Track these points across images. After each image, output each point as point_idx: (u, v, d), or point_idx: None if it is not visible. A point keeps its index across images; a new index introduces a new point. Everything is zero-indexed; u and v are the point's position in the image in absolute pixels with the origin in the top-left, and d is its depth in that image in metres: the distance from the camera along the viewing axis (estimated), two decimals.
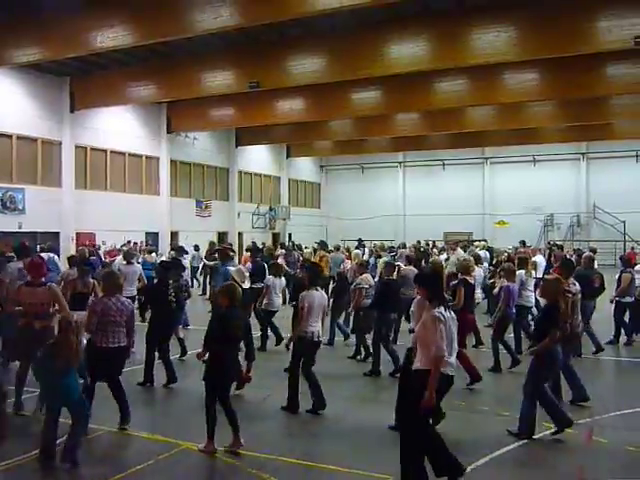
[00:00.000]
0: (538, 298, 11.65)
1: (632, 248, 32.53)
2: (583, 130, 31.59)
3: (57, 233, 25.30)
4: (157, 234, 30.11)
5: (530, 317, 11.99)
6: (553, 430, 6.92)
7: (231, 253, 15.25)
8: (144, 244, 26.01)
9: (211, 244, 21.14)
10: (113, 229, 25.99)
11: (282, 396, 7.97)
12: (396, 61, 18.99)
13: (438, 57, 18.76)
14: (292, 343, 8.14)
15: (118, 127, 28.45)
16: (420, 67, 19.29)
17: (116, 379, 7.17)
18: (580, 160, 38.87)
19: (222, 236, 33.85)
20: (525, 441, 6.76)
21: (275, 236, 39.00)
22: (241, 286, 8.05)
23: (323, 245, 20.72)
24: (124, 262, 12.70)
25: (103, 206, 26.72)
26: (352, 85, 23.99)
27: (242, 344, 6.89)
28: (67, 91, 25.50)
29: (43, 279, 7.98)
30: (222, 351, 6.47)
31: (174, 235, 30.77)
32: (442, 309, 5.65)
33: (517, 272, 11.27)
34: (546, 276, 7.75)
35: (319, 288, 8.28)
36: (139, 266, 12.87)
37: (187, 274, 14.62)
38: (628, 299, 12.44)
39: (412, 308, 7.43)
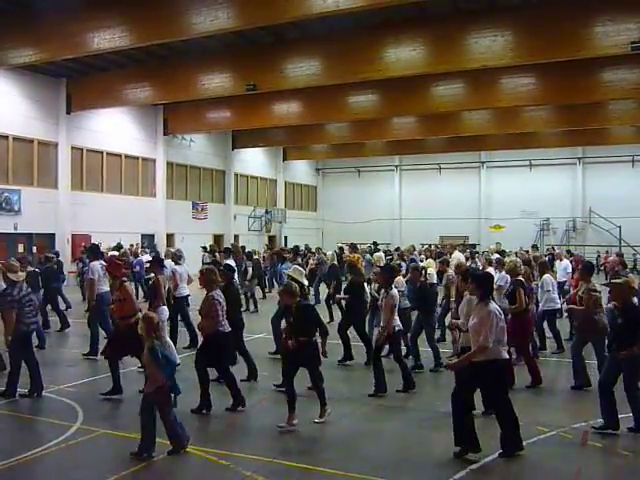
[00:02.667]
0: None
1: (607, 252, 32.55)
2: (579, 135, 31.71)
3: (53, 234, 25.28)
4: (153, 236, 30.06)
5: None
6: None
7: (286, 255, 16.86)
8: (139, 246, 25.96)
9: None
10: (109, 231, 25.93)
11: (280, 396, 7.94)
12: (393, 65, 19.02)
13: (435, 61, 18.79)
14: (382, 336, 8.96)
15: (114, 129, 28.42)
16: (417, 71, 19.32)
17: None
18: (576, 165, 38.98)
19: (218, 239, 33.82)
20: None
21: (271, 239, 38.97)
22: (302, 284, 8.33)
23: (354, 248, 21.09)
24: (173, 263, 12.87)
25: (99, 208, 26.70)
26: (349, 88, 24.02)
27: None
28: (64, 92, 25.48)
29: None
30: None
31: (170, 237, 30.75)
32: (496, 306, 6.48)
33: (545, 276, 11.95)
34: (615, 280, 8.08)
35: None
36: (186, 267, 13.05)
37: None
38: None
39: (462, 305, 7.93)
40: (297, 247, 24.25)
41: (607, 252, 32.60)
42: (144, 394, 6.54)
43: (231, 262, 13.84)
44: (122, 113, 28.61)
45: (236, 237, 35.53)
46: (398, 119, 30.02)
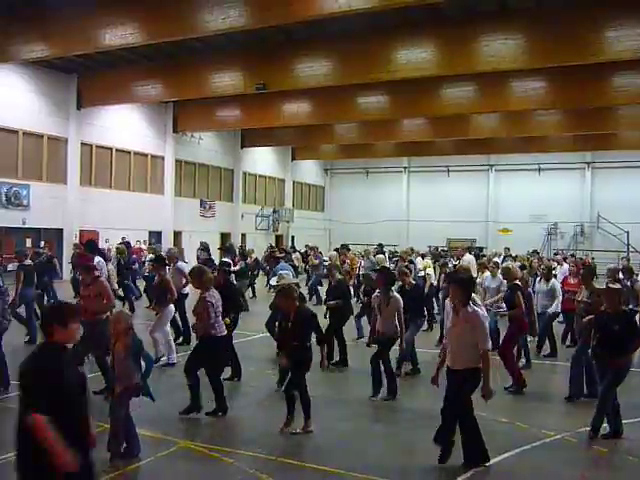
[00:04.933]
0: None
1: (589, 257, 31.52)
2: (589, 139, 31.60)
3: (61, 230, 25.36)
4: (160, 233, 30.12)
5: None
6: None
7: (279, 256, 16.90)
8: (147, 243, 26.04)
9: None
10: (116, 227, 26.02)
11: (283, 397, 7.93)
12: (404, 66, 19.00)
13: (446, 63, 18.76)
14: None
15: (124, 125, 28.50)
16: (427, 73, 19.27)
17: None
18: (585, 169, 38.83)
19: (225, 237, 33.87)
20: (524, 448, 6.74)
21: (278, 238, 39.01)
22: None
23: (346, 249, 21.14)
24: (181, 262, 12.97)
25: (107, 204, 26.77)
26: (358, 89, 24.02)
27: None
28: (74, 88, 25.56)
29: None
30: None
31: (177, 235, 30.81)
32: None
33: (552, 281, 12.14)
34: (610, 285, 7.77)
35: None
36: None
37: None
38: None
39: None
40: (292, 247, 24.02)
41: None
42: (115, 394, 6.18)
43: (228, 260, 13.92)
44: (132, 110, 28.70)
45: (243, 236, 35.61)
46: (407, 121, 29.99)
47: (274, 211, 39.09)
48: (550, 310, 11.93)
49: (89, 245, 12.71)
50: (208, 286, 7.93)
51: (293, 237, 39.89)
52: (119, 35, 17.44)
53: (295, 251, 30.57)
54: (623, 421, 7.16)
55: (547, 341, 12.20)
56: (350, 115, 26.60)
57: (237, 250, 19.37)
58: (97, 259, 11.71)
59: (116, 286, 14.20)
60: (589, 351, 8.03)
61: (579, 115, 26.36)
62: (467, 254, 20.30)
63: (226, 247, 19.26)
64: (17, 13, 18.64)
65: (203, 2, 16.27)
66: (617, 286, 7.79)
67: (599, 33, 16.68)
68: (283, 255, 18.48)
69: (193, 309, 8.03)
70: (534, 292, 12.25)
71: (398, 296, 8.91)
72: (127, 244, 22.47)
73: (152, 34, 17.43)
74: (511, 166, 40.03)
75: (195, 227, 31.77)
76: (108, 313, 8.22)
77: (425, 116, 28.48)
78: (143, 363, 6.23)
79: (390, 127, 30.70)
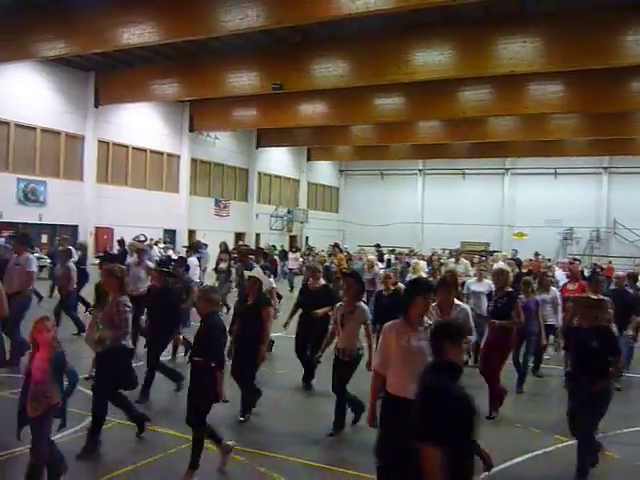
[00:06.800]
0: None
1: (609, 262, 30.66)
2: (606, 144, 31.36)
3: (76, 226, 25.53)
4: (175, 231, 30.24)
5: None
6: None
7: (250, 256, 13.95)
8: (160, 241, 26.13)
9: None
10: (131, 225, 26.15)
11: (295, 397, 7.94)
12: (420, 68, 18.95)
13: (463, 65, 18.68)
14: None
15: (141, 124, 28.67)
16: (444, 75, 19.19)
17: None
18: (602, 174, 38.55)
19: (239, 237, 33.94)
20: (536, 453, 6.69)
21: (292, 239, 39.03)
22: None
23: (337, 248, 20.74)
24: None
25: (122, 201, 26.94)
26: (375, 90, 23.99)
27: None
28: (92, 86, 25.77)
29: None
30: None
31: (192, 234, 30.93)
32: None
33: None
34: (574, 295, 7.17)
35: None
36: None
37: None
38: None
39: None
40: (261, 249, 22.50)
41: (610, 262, 30.56)
42: (31, 419, 5.06)
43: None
44: (149, 108, 28.85)
45: (257, 236, 35.68)
46: (423, 123, 29.92)
47: (288, 211, 39.13)
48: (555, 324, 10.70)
49: (19, 239, 11.03)
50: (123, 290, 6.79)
51: (307, 238, 39.92)
52: (137, 34, 17.52)
53: (297, 250, 30.22)
54: (637, 429, 7.07)
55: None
56: (366, 116, 26.58)
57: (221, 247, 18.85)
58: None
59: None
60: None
61: (597, 119, 26.16)
62: (500, 262, 19.09)
63: (193, 244, 18.88)
64: (37, 11, 18.79)
65: (221, 2, 16.32)
66: (588, 297, 7.02)
67: (618, 37, 16.56)
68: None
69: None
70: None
71: (365, 306, 7.57)
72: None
73: (170, 33, 17.51)
74: (527, 170, 39.81)
75: (209, 226, 31.85)
76: None
77: (441, 118, 28.41)
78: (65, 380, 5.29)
79: (406, 129, 30.64)
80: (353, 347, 7.21)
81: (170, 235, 29.60)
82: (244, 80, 22.17)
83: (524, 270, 17.61)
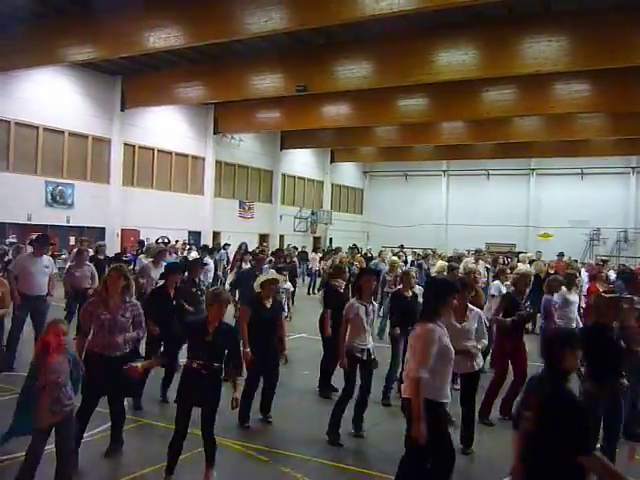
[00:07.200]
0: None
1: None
2: (633, 144, 30.88)
3: (103, 228, 25.82)
4: (199, 233, 30.46)
5: None
6: None
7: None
8: (186, 243, 26.34)
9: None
10: (157, 227, 26.38)
11: (318, 398, 7.95)
12: (445, 68, 18.85)
13: (487, 65, 18.55)
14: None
15: (166, 126, 28.92)
16: (468, 75, 19.05)
17: None
18: (630, 174, 37.98)
19: (263, 238, 34.08)
20: None
21: (316, 240, 39.08)
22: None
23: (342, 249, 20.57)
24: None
25: (148, 204, 27.19)
26: (398, 91, 23.92)
27: None
28: (119, 90, 26.05)
29: None
30: None
31: (216, 235, 31.12)
32: None
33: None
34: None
35: None
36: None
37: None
38: None
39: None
40: (280, 250, 22.15)
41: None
42: (55, 423, 5.02)
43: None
44: (174, 111, 29.09)
45: (281, 237, 35.78)
46: (447, 124, 29.77)
47: (312, 213, 39.17)
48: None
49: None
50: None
51: (331, 239, 39.93)
52: (163, 38, 17.66)
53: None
54: None
55: None
56: (390, 118, 26.51)
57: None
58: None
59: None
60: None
61: (623, 118, 25.79)
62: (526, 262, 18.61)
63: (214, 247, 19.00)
64: (65, 16, 19.04)
65: (245, 5, 16.39)
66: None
67: None
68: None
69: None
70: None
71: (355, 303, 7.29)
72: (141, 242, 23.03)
73: (195, 37, 17.63)
74: (553, 170, 39.36)
75: (234, 228, 32.01)
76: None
77: (465, 119, 28.22)
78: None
79: (429, 130, 30.51)
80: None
81: (195, 237, 29.81)
82: (268, 82, 22.25)
83: (551, 271, 17.36)
